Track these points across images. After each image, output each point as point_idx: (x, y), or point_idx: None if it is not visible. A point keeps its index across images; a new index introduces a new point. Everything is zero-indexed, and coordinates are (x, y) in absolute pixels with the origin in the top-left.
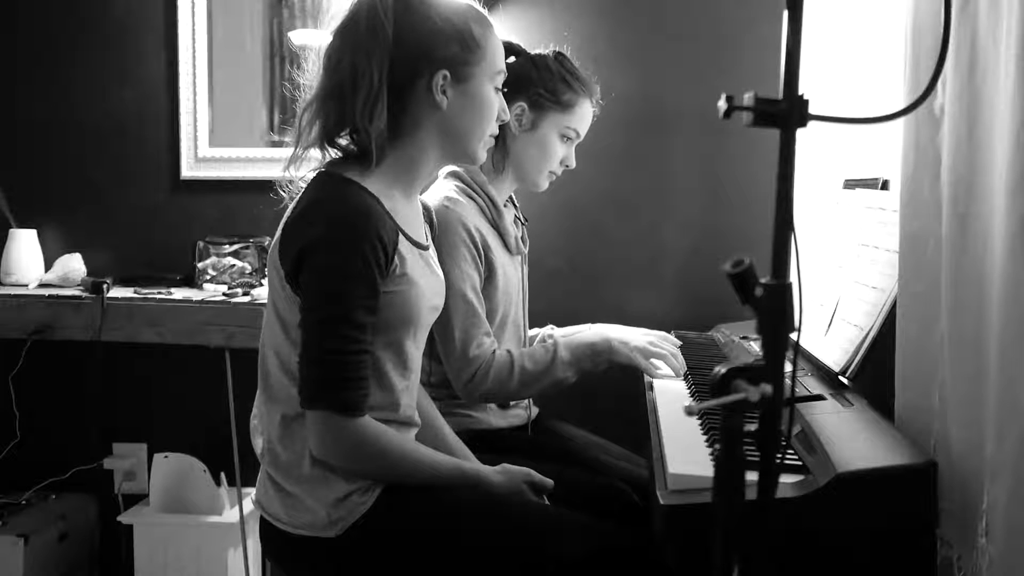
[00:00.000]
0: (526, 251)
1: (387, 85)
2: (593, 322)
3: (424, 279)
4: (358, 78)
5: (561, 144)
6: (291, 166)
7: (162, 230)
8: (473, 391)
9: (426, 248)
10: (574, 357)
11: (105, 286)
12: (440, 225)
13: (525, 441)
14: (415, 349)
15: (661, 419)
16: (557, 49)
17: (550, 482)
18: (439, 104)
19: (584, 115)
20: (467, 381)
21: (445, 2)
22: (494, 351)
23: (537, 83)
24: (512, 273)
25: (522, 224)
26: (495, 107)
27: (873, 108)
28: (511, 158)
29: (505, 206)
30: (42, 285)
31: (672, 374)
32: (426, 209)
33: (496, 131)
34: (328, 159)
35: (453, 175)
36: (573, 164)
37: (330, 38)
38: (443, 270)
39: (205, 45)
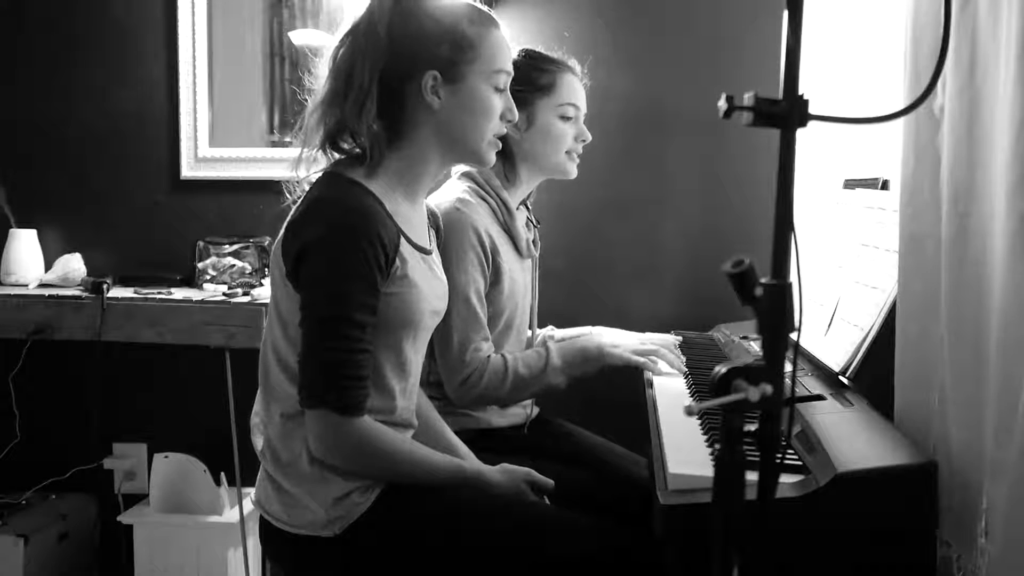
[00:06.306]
0: (537, 254)
1: (383, 87)
2: (593, 323)
3: (426, 282)
4: (351, 79)
5: (565, 124)
6: (298, 167)
7: (162, 230)
8: (465, 394)
9: (429, 252)
10: (566, 363)
11: (105, 286)
12: (450, 227)
13: (525, 440)
14: (414, 353)
15: (661, 419)
16: (523, 48)
17: (550, 482)
18: (431, 105)
19: (571, 88)
20: (460, 384)
21: (442, 3)
22: (489, 356)
23: (514, 84)
24: (520, 277)
25: (534, 227)
26: (493, 107)
27: (873, 108)
28: (527, 161)
29: (518, 208)
30: (42, 285)
31: (670, 369)
32: (432, 215)
33: (502, 131)
34: (333, 160)
35: (466, 176)
36: (589, 137)
37: (337, 43)
38: (449, 272)
39: (205, 45)
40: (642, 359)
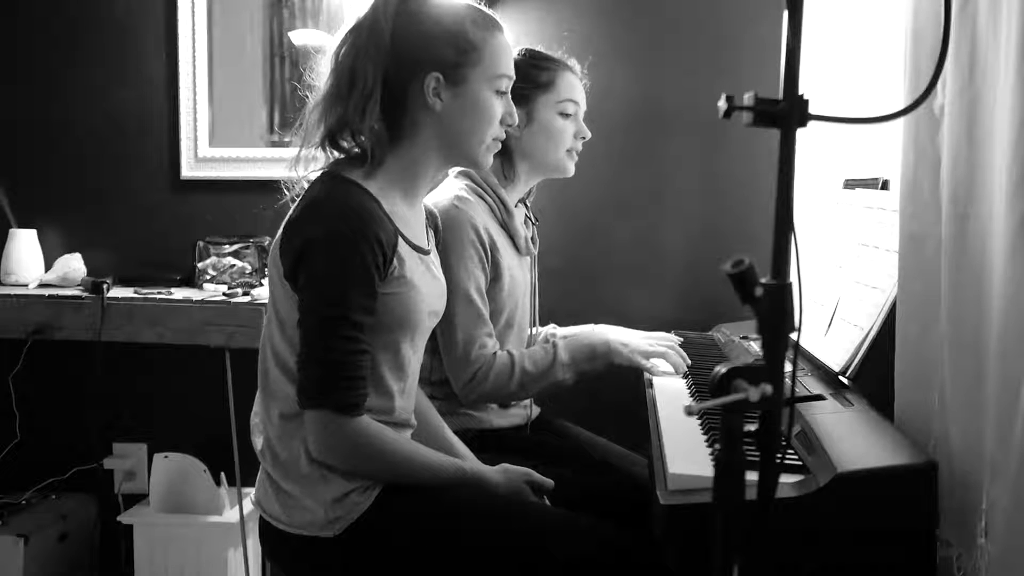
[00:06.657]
0: (536, 252)
1: (386, 87)
2: (593, 322)
3: (424, 283)
4: (355, 78)
5: (565, 121)
6: (298, 165)
7: (162, 230)
8: (471, 392)
9: (427, 253)
10: (573, 359)
11: (105, 286)
12: (449, 224)
13: (525, 441)
14: (412, 353)
15: (661, 419)
16: (523, 47)
17: (550, 482)
18: (433, 107)
19: (570, 84)
20: (467, 381)
21: (446, 5)
22: (495, 352)
23: (514, 82)
24: (519, 274)
25: (533, 224)
26: (494, 111)
27: (873, 108)
28: (526, 159)
29: (516, 206)
30: (42, 285)
31: (673, 371)
32: (431, 215)
33: (501, 135)
34: (332, 159)
35: (464, 174)
36: (588, 134)
37: (339, 41)
38: (449, 269)
39: (205, 45)
40: (648, 363)
